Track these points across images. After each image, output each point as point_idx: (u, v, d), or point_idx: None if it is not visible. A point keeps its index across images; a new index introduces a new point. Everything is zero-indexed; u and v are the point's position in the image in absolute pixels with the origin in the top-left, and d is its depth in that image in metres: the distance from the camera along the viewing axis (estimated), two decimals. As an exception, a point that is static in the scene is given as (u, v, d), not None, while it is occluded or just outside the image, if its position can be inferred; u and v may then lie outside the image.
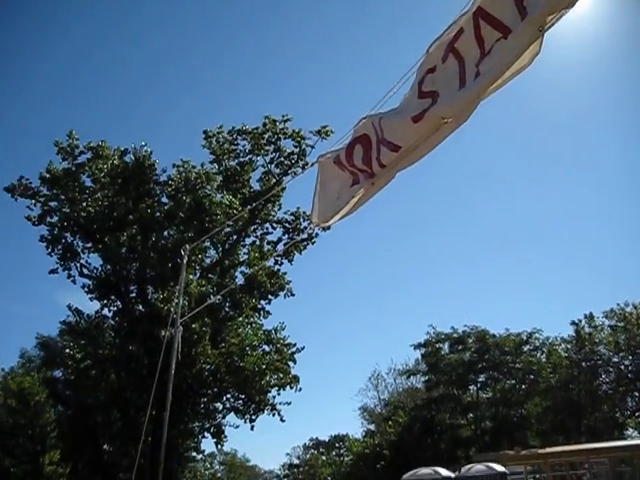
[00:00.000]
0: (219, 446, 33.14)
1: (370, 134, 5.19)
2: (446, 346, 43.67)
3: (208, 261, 31.56)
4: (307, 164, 29.41)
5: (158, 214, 29.66)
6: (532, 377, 40.83)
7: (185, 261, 9.37)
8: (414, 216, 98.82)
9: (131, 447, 30.84)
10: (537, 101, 77.51)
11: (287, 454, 70.48)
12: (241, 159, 31.26)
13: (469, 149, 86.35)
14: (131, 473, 34.29)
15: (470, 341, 42.98)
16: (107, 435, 33.74)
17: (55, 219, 29.42)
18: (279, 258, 31.61)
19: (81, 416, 35.91)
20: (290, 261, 31.71)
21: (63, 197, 29.13)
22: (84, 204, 28.88)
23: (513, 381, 42.46)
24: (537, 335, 42.64)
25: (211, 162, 30.82)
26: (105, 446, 36.08)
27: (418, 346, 42.64)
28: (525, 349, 42.55)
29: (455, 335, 43.47)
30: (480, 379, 43.13)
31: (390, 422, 34.04)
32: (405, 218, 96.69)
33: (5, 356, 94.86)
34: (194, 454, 36.40)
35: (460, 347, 43.11)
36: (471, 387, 43.34)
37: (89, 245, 29.92)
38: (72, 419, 37.90)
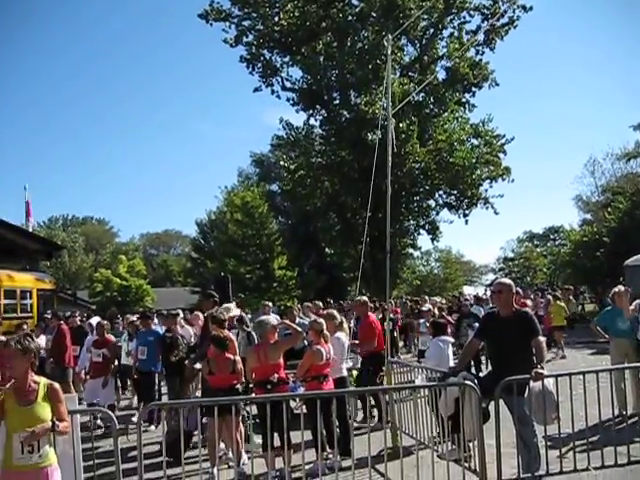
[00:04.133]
0: (434, 242, 38.11)
1: None
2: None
3: (407, 59, 34.16)
4: None
5: (350, 18, 32.35)
6: None
7: (389, 51, 10.62)
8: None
9: (351, 248, 36.62)
10: None
11: (501, 248, 76.46)
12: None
13: None
14: (353, 272, 41.10)
15: None
16: (327, 239, 39.95)
17: (250, 38, 33.38)
18: (480, 47, 33.00)
19: (301, 224, 42.83)
20: (492, 49, 33.04)
21: (255, 15, 32.83)
22: (276, 19, 32.38)
23: None
24: None
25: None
26: (327, 249, 42.99)
27: (638, 127, 41.78)
28: None
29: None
30: None
31: (609, 209, 35.54)
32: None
33: (225, 176, 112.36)
34: (411, 251, 41.88)
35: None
36: None
37: (287, 59, 33.89)
38: (293, 228, 45.31)
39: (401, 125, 28.70)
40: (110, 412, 6.23)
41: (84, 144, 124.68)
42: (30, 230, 35.40)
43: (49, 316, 14.97)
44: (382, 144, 9.55)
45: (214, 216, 46.45)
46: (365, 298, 10.77)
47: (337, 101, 33.85)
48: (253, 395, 7.46)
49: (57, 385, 4.73)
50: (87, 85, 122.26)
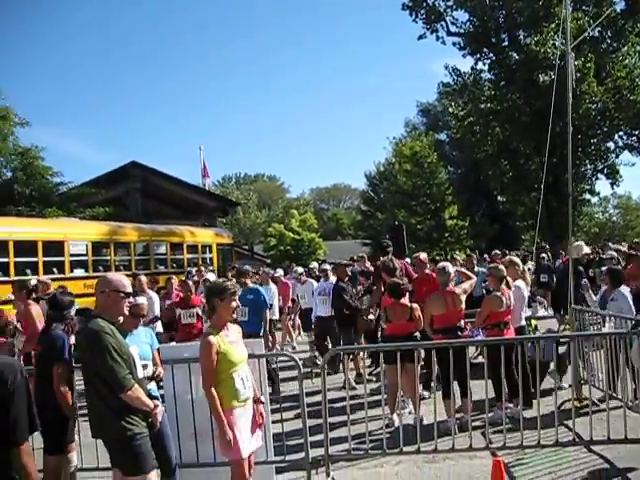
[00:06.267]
0: (614, 187, 37.43)
1: None
2: None
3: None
4: None
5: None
6: None
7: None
8: None
9: (524, 195, 37.04)
10: None
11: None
12: None
13: None
14: (526, 221, 41.45)
15: None
16: (499, 187, 40.53)
17: (413, -18, 34.45)
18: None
19: (471, 172, 43.66)
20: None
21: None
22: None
23: None
24: None
25: None
26: (498, 198, 43.59)
27: None
28: None
29: None
30: None
31: None
32: None
33: (392, 127, 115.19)
34: (588, 197, 41.27)
35: None
36: None
37: (451, 2, 34.36)
38: (463, 177, 46.20)
39: (576, 63, 28.39)
40: (295, 356, 6.46)
41: (252, 104, 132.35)
42: (207, 189, 39.71)
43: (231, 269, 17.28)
44: (559, 82, 9.34)
45: (383, 168, 48.34)
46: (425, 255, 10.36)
47: (505, 43, 34.05)
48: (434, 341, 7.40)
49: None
50: (256, 48, 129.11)
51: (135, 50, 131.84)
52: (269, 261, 40.52)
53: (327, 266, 12.97)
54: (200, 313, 10.02)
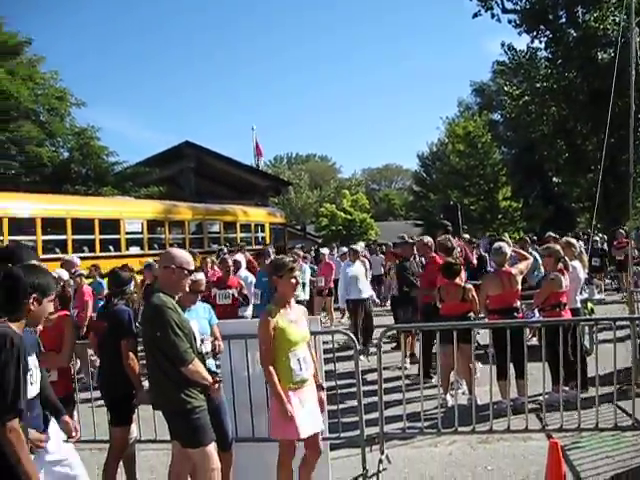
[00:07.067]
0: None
1: None
2: None
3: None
4: None
5: None
6: None
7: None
8: None
9: (580, 177, 36.11)
10: None
11: None
12: None
13: None
14: (582, 202, 40.47)
15: None
16: (554, 168, 39.61)
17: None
18: None
19: (525, 153, 42.82)
20: None
21: None
22: None
23: None
24: None
25: None
26: (553, 179, 42.65)
27: None
28: None
29: None
30: None
31: None
32: None
33: (445, 107, 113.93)
34: (649, 178, 39.99)
35: None
36: None
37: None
38: (517, 157, 45.40)
39: (638, 39, 27.71)
40: (351, 334, 6.40)
41: (304, 85, 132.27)
42: (260, 169, 39.92)
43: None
44: (620, 60, 9.21)
45: (435, 148, 47.92)
46: (429, 238, 10.14)
47: (563, 19, 33.08)
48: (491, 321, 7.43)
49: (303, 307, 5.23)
50: (310, 30, 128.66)
51: (187, 27, 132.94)
52: (320, 241, 40.75)
53: (358, 247, 13.02)
54: (236, 295, 9.61)
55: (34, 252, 5.09)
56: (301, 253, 15.27)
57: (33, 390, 3.55)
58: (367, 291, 12.18)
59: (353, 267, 11.93)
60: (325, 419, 5.63)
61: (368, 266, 13.49)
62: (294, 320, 4.82)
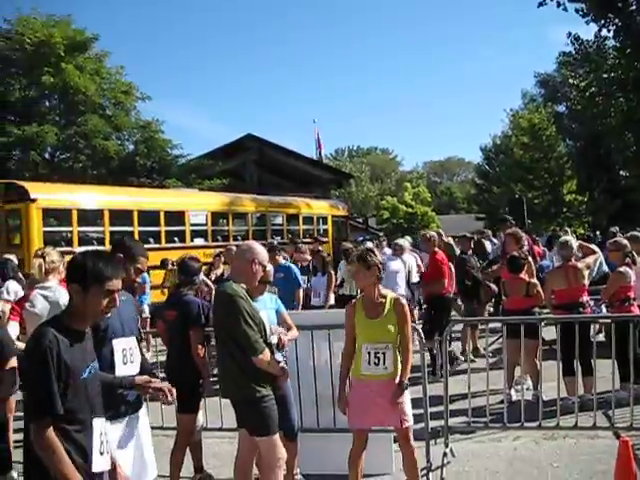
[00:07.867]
0: None
1: None
2: None
3: None
4: None
5: None
6: None
7: None
8: None
9: (649, 170, 34.95)
10: None
11: None
12: None
13: None
14: (651, 196, 39.18)
15: None
16: (622, 161, 38.39)
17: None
18: None
19: (591, 146, 41.70)
20: None
21: None
22: None
23: None
24: None
25: None
26: (621, 172, 41.36)
27: None
28: None
29: None
30: None
31: None
32: None
33: (509, 99, 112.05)
34: None
35: None
36: None
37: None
38: (582, 150, 44.22)
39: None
40: (418, 327, 6.35)
41: (365, 79, 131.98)
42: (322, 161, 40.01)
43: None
44: None
45: (499, 140, 47.09)
46: (432, 233, 10.25)
47: (633, 7, 31.95)
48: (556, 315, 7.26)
49: (403, 300, 4.93)
50: (372, 27, 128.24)
51: (251, 18, 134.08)
52: (381, 234, 40.66)
53: (402, 242, 12.37)
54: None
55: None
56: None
57: (133, 369, 3.81)
58: (402, 288, 10.95)
59: (395, 262, 11.06)
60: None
61: (419, 261, 12.35)
62: (374, 314, 4.80)
